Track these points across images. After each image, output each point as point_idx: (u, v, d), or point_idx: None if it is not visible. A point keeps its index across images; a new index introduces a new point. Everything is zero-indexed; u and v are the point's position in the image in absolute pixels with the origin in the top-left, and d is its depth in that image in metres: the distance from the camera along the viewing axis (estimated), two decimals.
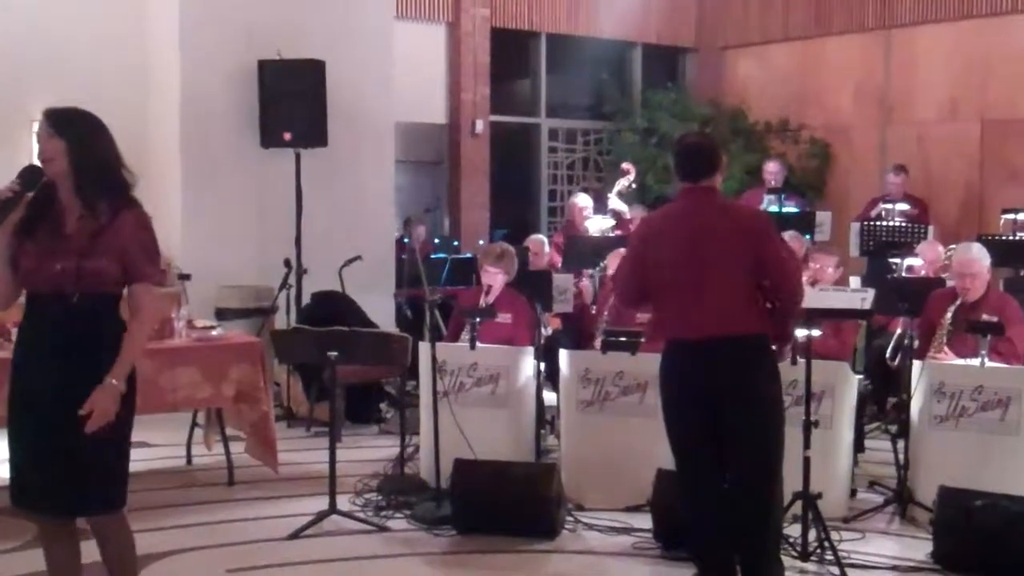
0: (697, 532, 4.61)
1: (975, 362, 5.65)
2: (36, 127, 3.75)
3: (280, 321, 8.14)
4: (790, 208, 9.69)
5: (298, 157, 8.63)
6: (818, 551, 5.03)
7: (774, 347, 4.61)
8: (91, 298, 3.65)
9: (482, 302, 6.64)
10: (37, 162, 3.72)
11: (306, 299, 8.44)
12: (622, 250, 7.12)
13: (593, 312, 7.40)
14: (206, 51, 8.57)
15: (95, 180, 3.65)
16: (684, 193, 4.64)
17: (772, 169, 10.33)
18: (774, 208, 9.28)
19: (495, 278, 6.70)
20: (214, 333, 6.35)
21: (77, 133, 3.67)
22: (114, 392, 3.60)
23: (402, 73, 9.81)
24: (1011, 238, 8.29)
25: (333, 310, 7.95)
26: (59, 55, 8.38)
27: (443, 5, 11.72)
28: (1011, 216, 8.55)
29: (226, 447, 6.40)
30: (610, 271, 6.96)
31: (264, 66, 8.59)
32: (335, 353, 5.63)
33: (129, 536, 3.88)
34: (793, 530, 5.07)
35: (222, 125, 8.65)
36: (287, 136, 8.53)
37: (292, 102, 8.51)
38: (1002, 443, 5.50)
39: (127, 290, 3.75)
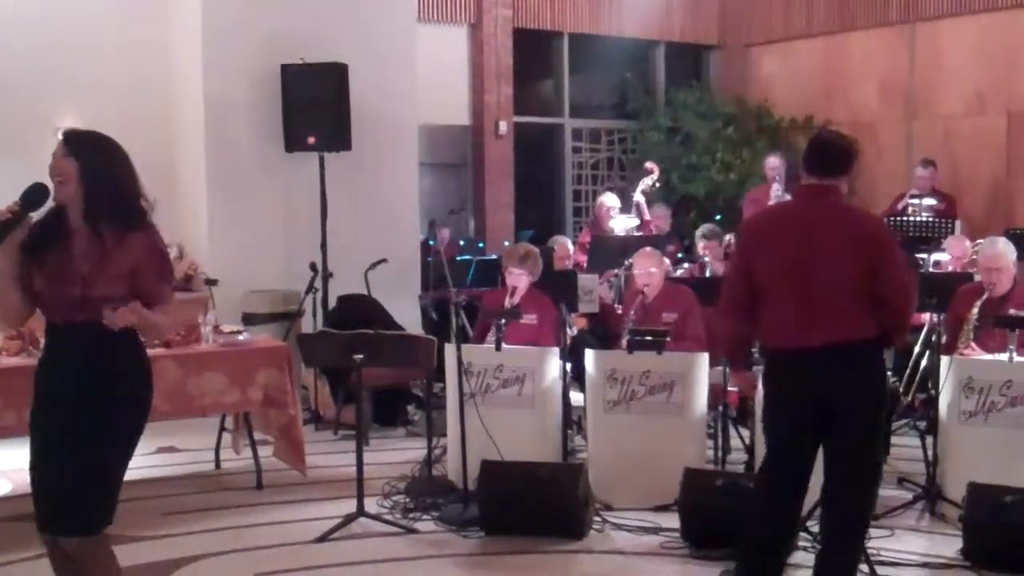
0: (759, 535, 4.48)
1: (1003, 357, 5.61)
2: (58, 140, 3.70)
3: (307, 325, 8.17)
4: None
5: (322, 161, 8.66)
6: None
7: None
8: (102, 325, 3.54)
9: (507, 303, 6.65)
10: (45, 179, 3.63)
11: (332, 303, 8.47)
12: (648, 249, 7.12)
13: (619, 311, 7.38)
14: (229, 57, 8.60)
15: (105, 206, 3.57)
16: (802, 191, 4.52)
17: (773, 164, 10.03)
18: None
19: (519, 279, 6.70)
20: (241, 338, 6.38)
21: (92, 156, 3.59)
22: (136, 309, 3.52)
23: (425, 75, 9.82)
24: None
25: (359, 313, 7.99)
26: (82, 65, 8.44)
27: (465, 7, 11.73)
28: None
29: (254, 451, 6.42)
30: (636, 270, 6.93)
31: (287, 71, 8.62)
32: (361, 356, 5.64)
33: (109, 562, 3.77)
34: None
35: (246, 130, 8.68)
36: (311, 140, 8.55)
37: (316, 106, 8.52)
38: None
39: None
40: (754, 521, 4.50)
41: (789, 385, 4.37)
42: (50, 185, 3.62)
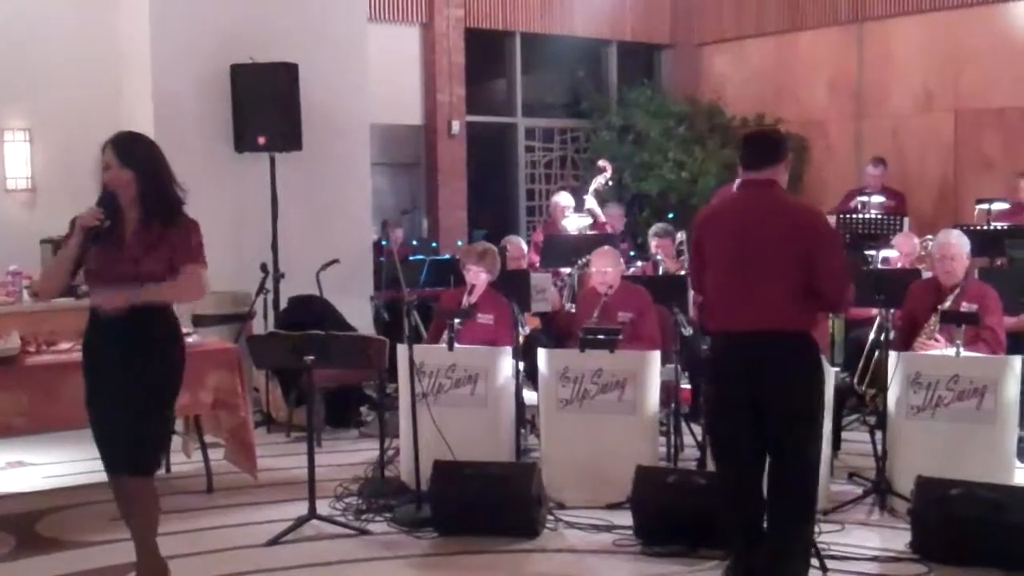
0: (733, 530, 4.58)
1: (950, 352, 5.67)
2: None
3: (258, 326, 8.09)
4: None
5: (273, 161, 8.59)
6: None
7: None
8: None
9: (465, 301, 6.62)
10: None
11: (283, 304, 8.41)
12: (606, 248, 7.11)
13: (571, 311, 7.37)
14: (178, 56, 8.52)
15: (157, 202, 4.37)
16: (743, 184, 4.65)
17: None
18: None
19: (478, 276, 6.67)
20: (191, 340, 6.28)
21: (143, 163, 4.37)
22: (128, 293, 4.26)
23: (376, 75, 9.79)
24: (986, 228, 8.32)
25: (311, 314, 7.94)
26: (30, 63, 8.34)
27: (416, 6, 11.70)
28: (985, 206, 8.60)
29: (204, 454, 6.37)
30: (593, 269, 6.92)
31: (237, 70, 8.55)
32: (311, 357, 5.60)
33: (155, 499, 4.57)
34: None
35: (195, 130, 8.58)
36: (261, 140, 8.49)
37: (266, 106, 8.46)
38: (978, 432, 5.54)
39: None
40: (724, 518, 4.62)
41: (725, 367, 4.50)
42: None
